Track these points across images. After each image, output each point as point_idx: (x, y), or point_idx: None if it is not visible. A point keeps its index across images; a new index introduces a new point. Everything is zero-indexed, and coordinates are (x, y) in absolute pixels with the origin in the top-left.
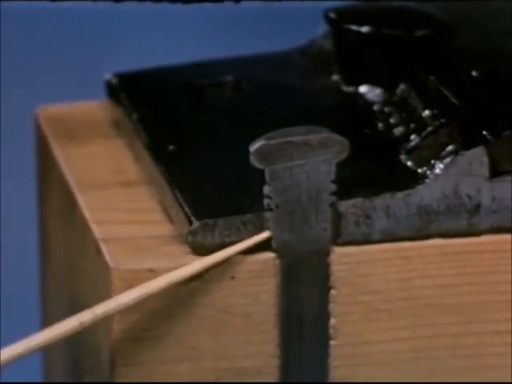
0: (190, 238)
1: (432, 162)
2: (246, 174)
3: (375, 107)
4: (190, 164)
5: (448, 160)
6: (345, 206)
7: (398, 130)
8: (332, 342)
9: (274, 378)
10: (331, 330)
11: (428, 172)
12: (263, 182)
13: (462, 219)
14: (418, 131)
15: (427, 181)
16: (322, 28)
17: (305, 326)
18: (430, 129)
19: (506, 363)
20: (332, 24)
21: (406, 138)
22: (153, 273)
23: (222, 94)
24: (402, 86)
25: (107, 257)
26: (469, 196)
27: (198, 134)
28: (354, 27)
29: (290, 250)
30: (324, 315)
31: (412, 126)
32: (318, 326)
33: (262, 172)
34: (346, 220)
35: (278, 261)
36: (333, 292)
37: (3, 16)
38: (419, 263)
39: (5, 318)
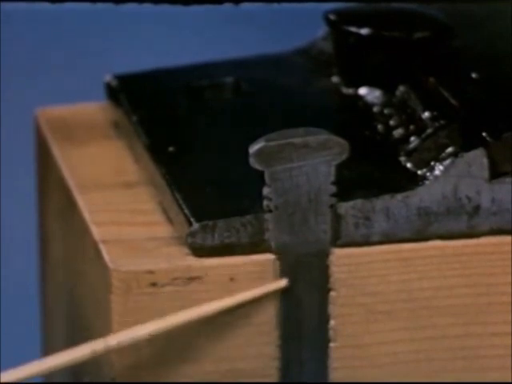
0: (189, 240)
1: (432, 163)
2: (245, 175)
3: (375, 109)
4: (190, 165)
5: (448, 162)
6: (344, 207)
7: (398, 132)
8: (331, 344)
9: (273, 379)
10: (331, 332)
11: (428, 174)
12: (263, 183)
13: (461, 221)
14: (417, 133)
15: (427, 182)
16: (322, 30)
17: (304, 328)
18: (429, 131)
19: (505, 365)
20: (332, 26)
21: (405, 139)
22: (152, 274)
23: (222, 95)
24: (401, 88)
25: (107, 258)
26: (468, 198)
27: (197, 135)
28: (353, 29)
29: (290, 251)
30: (324, 317)
31: (412, 127)
32: (317, 328)
33: (261, 173)
34: (345, 222)
35: (277, 262)
36: (332, 294)
37: (3, 17)
38: (419, 265)
39: (5, 318)
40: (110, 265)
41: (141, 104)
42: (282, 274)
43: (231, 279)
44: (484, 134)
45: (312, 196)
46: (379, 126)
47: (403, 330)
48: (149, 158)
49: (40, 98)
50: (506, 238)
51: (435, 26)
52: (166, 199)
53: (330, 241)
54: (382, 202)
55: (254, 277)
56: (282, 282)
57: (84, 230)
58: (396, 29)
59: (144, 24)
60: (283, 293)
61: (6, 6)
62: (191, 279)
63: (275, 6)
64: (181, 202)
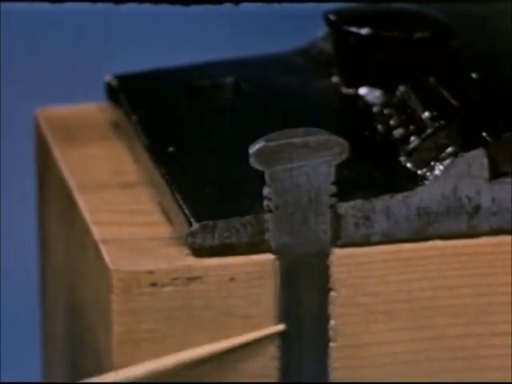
0: (189, 240)
1: (432, 163)
2: (245, 175)
3: (375, 109)
4: (190, 165)
5: (448, 162)
6: (344, 207)
7: (398, 132)
8: (331, 344)
9: (273, 379)
10: (331, 332)
11: (428, 174)
12: (263, 183)
13: (461, 221)
14: (417, 133)
15: (427, 182)
16: (322, 30)
17: (304, 328)
18: (429, 131)
19: (505, 365)
20: (332, 26)
21: (405, 139)
22: (152, 274)
23: (222, 95)
24: (401, 88)
25: (107, 258)
26: (468, 198)
27: (197, 135)
28: (353, 29)
29: (290, 251)
30: (323, 317)
31: (412, 127)
32: (317, 328)
33: (261, 173)
34: (345, 222)
35: (277, 262)
36: (332, 294)
37: (3, 17)
38: (419, 265)
39: (5, 318)
40: (111, 265)
41: (141, 104)
42: (282, 273)
43: (231, 279)
44: (484, 134)
45: (312, 196)
46: (379, 126)
47: (403, 330)
48: (149, 158)
49: (40, 98)
50: (506, 238)
51: (435, 25)
52: (165, 199)
53: (330, 241)
54: (381, 202)
55: (254, 277)
56: (280, 327)
57: (84, 230)
58: (396, 29)
59: (144, 24)
60: (283, 293)
61: (6, 6)
62: (191, 279)
63: (275, 6)
64: (181, 202)
